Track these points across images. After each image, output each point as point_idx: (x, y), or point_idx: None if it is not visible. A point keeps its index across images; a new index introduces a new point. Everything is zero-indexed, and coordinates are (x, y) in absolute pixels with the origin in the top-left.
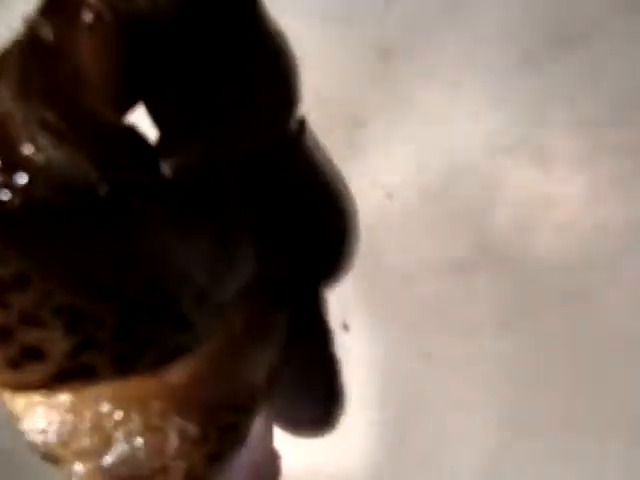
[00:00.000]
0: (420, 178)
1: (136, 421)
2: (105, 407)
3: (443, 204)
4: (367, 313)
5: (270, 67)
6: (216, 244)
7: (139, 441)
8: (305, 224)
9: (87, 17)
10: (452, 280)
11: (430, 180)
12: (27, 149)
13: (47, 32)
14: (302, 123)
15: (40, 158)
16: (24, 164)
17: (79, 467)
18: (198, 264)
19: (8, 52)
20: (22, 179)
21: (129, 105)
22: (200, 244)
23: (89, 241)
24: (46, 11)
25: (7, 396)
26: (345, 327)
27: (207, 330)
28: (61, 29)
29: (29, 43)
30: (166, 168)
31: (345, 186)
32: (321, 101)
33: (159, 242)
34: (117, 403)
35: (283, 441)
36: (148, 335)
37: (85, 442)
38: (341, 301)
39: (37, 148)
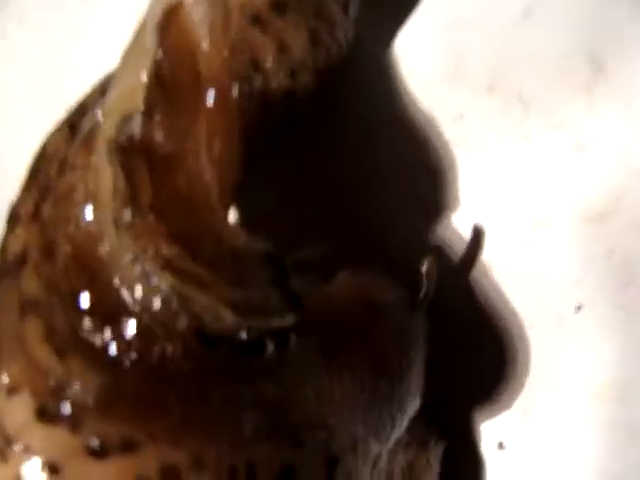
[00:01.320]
0: None
1: None
2: None
3: None
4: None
5: None
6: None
7: None
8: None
9: (210, 98)
10: None
11: None
12: (136, 292)
13: (159, 133)
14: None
15: (156, 303)
16: (129, 310)
17: None
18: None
19: (98, 154)
20: (131, 329)
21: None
22: (360, 388)
23: (237, 401)
24: (154, 100)
25: None
26: (501, 446)
27: None
28: (179, 126)
29: (133, 148)
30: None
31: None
32: None
33: (311, 389)
34: None
35: None
36: None
37: None
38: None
39: (150, 290)
